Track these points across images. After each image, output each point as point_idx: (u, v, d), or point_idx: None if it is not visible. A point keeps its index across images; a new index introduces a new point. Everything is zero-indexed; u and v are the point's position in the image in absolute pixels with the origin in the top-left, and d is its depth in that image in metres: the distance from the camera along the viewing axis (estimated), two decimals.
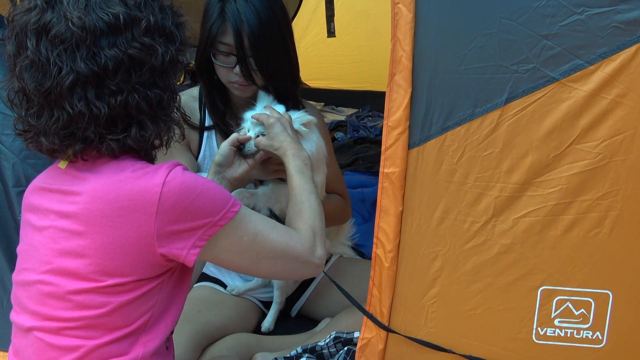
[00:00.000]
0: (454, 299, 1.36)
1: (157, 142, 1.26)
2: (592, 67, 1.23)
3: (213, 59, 1.76)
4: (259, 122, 1.59)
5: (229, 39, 1.71)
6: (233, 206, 1.23)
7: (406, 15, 1.29)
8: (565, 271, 1.31)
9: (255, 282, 1.99)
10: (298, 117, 1.65)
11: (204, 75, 1.84)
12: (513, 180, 1.29)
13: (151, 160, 1.28)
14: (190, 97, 1.91)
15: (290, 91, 1.81)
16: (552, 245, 1.30)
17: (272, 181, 1.74)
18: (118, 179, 1.18)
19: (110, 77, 1.16)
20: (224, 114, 1.87)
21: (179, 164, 1.21)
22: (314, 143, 1.66)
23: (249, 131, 1.62)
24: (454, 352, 1.36)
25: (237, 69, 1.73)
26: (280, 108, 1.66)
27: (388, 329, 1.39)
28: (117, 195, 1.16)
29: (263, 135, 1.57)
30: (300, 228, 1.37)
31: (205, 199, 1.19)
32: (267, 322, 1.97)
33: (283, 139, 1.52)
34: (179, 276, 1.28)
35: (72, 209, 1.18)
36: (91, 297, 1.18)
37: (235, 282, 2.01)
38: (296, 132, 1.58)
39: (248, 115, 1.66)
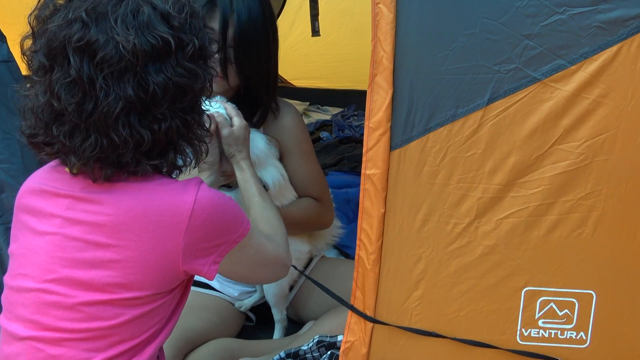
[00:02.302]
0: (437, 301, 1.35)
1: (188, 161, 1.23)
2: (573, 67, 1.23)
3: None
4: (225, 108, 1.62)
5: (215, 24, 1.70)
6: (247, 223, 1.24)
7: (387, 15, 1.27)
8: (549, 272, 1.31)
9: (259, 294, 1.97)
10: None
11: None
12: (496, 181, 1.28)
13: (170, 175, 1.23)
14: None
15: (262, 101, 1.80)
16: (535, 246, 1.30)
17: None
18: (145, 192, 1.14)
19: (157, 105, 1.10)
20: None
21: (202, 181, 1.19)
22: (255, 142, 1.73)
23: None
24: (439, 335, 1.34)
25: (216, 57, 1.71)
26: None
27: (374, 320, 1.36)
28: (145, 209, 1.13)
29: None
30: (275, 234, 1.44)
31: (229, 217, 1.20)
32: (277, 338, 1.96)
33: (245, 147, 1.60)
34: (185, 287, 1.27)
35: (89, 218, 1.13)
36: (104, 308, 1.14)
37: (224, 287, 1.99)
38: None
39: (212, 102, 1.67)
